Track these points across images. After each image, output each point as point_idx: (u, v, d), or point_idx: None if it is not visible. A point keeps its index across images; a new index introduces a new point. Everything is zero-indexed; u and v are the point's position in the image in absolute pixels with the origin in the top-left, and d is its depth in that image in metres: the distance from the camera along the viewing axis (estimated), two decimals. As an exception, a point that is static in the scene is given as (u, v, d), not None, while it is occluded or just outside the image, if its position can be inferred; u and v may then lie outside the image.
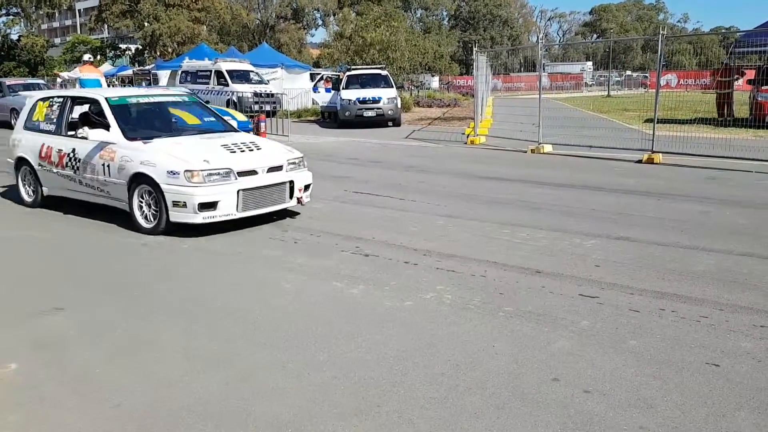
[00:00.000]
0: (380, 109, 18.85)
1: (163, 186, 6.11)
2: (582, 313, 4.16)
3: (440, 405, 3.06)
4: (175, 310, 4.41)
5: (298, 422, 2.94)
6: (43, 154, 7.47)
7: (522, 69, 67.02)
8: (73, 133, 7.21)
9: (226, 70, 21.41)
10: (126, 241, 6.27)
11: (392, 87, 20.09)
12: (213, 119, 7.95)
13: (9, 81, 22.09)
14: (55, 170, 7.33)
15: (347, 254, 5.62)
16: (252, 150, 6.68)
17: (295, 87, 25.24)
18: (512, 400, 3.08)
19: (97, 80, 13.41)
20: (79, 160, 6.98)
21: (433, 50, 36.66)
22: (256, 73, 22.73)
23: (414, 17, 67.53)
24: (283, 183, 6.66)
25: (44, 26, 78.93)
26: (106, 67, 43.77)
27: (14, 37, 47.37)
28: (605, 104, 27.39)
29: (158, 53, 43.45)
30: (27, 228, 7.00)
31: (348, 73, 20.73)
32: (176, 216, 6.13)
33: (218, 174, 6.15)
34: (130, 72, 42.22)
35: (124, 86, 35.51)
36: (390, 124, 19.23)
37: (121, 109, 7.10)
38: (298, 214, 7.18)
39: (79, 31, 75.37)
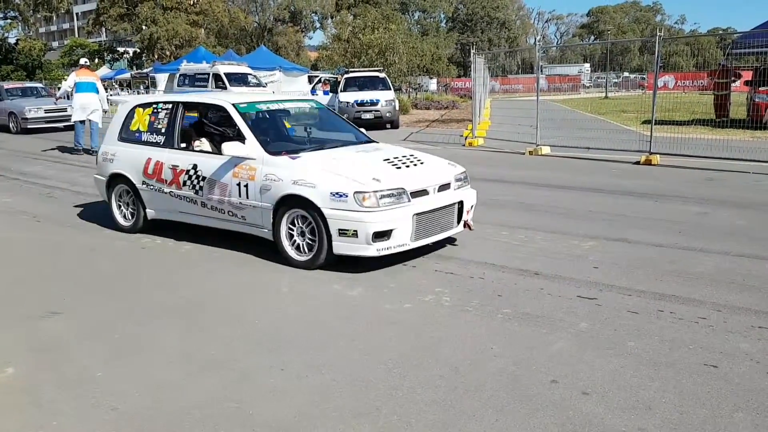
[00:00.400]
0: (378, 111, 18.87)
1: (325, 211, 5.05)
2: (580, 315, 4.16)
3: (439, 407, 3.06)
4: (173, 313, 4.40)
5: (297, 424, 2.94)
6: (149, 171, 6.29)
7: (520, 71, 67.12)
8: (185, 145, 6.22)
9: (224, 73, 21.39)
10: (125, 243, 6.26)
11: (390, 89, 20.13)
12: (348, 129, 6.91)
13: (7, 85, 22.07)
14: (167, 190, 6.17)
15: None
16: (416, 165, 5.62)
17: (293, 90, 25.33)
18: (511, 402, 3.08)
19: (93, 83, 13.40)
20: (203, 179, 5.87)
21: (430, 52, 36.79)
22: (254, 75, 22.73)
23: (412, 19, 67.66)
24: (452, 204, 5.59)
25: (42, 30, 78.99)
26: (104, 70, 43.85)
27: (12, 40, 47.42)
28: (603, 106, 27.46)
29: (156, 56, 43.54)
30: (25, 230, 7.00)
31: (346, 76, 20.79)
32: (342, 247, 5.08)
33: (391, 195, 5.08)
34: (128, 75, 42.30)
35: (123, 89, 35.55)
36: (388, 126, 19.24)
37: (252, 118, 6.04)
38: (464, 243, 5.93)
39: (77, 35, 75.49)
